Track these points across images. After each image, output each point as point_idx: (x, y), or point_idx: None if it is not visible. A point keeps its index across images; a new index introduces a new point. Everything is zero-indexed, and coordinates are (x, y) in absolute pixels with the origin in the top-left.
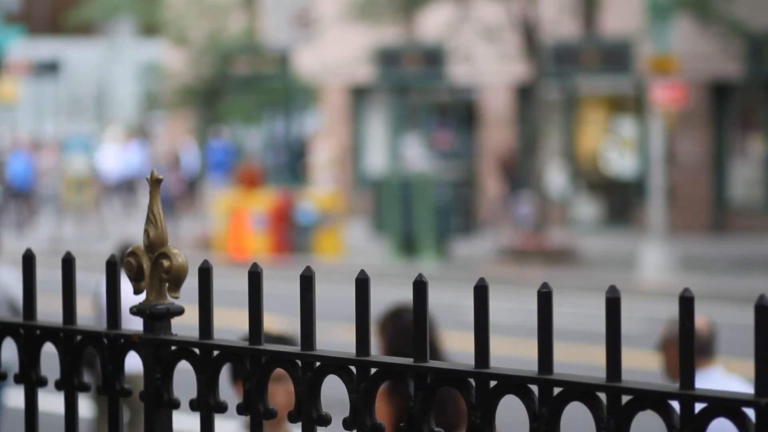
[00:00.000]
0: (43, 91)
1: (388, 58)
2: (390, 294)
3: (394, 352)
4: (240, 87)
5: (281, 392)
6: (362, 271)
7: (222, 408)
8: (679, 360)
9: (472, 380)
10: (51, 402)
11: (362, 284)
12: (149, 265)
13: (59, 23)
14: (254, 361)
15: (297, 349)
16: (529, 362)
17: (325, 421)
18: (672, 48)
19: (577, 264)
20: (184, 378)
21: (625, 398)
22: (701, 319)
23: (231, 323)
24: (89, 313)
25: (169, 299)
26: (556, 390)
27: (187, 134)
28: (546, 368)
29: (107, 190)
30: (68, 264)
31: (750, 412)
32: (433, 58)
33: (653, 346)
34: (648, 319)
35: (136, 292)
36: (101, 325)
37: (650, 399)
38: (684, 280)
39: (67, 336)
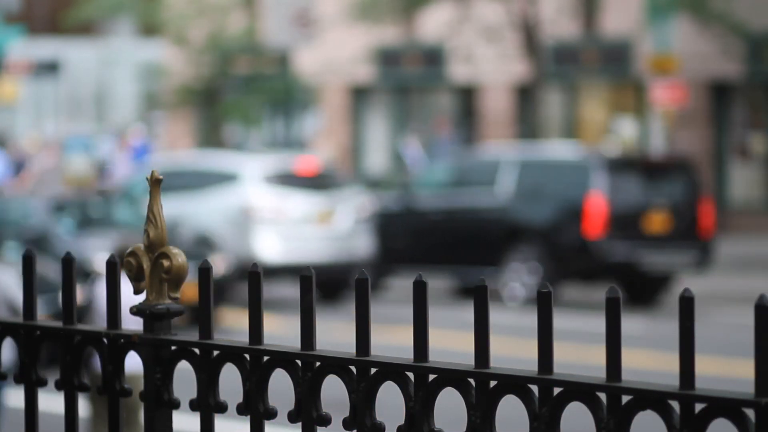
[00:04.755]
0: (43, 90)
1: (388, 58)
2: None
3: None
4: (240, 87)
5: None
6: (362, 271)
7: (222, 408)
8: (679, 360)
9: (472, 380)
10: (51, 402)
11: (362, 284)
12: (149, 265)
13: (59, 23)
14: (254, 361)
15: (297, 349)
16: (529, 362)
17: (325, 421)
18: (672, 48)
19: None
20: (185, 378)
21: (625, 398)
22: None
23: (232, 324)
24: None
25: (169, 299)
26: (556, 390)
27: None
28: (546, 368)
29: None
30: (68, 264)
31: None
32: (433, 58)
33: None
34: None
35: (136, 292)
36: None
37: (650, 399)
38: (684, 280)
39: (67, 336)
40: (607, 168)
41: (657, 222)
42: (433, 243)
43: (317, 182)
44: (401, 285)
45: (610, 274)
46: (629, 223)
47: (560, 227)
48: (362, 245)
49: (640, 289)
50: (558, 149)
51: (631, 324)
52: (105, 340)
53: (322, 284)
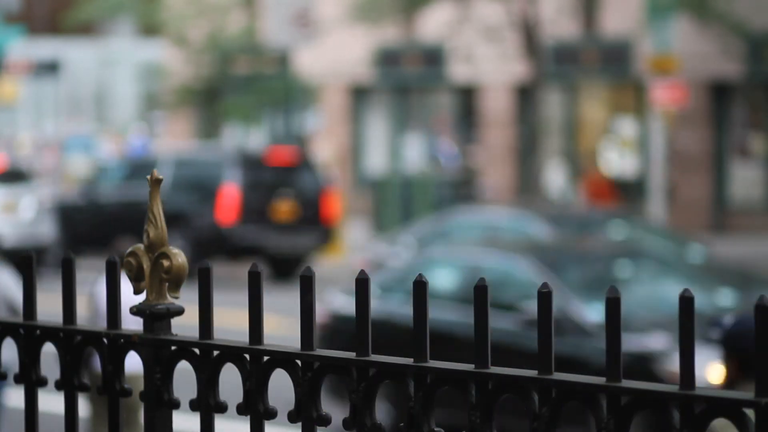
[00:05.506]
0: (42, 91)
1: (388, 58)
2: None
3: None
4: (240, 87)
5: None
6: (362, 272)
7: (222, 408)
8: (679, 360)
9: (471, 380)
10: (51, 402)
11: (362, 284)
12: (149, 265)
13: (59, 23)
14: (254, 361)
15: (297, 348)
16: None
17: (325, 421)
18: (672, 48)
19: None
20: (185, 377)
21: (624, 398)
22: None
23: (231, 323)
24: (84, 313)
25: (169, 299)
26: (556, 390)
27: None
28: (546, 368)
29: None
30: (68, 264)
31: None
32: (434, 58)
33: None
34: None
35: (136, 292)
36: (95, 325)
37: (650, 399)
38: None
39: (67, 336)
40: (240, 164)
41: (284, 211)
42: (109, 230)
43: (4, 177)
44: (86, 265)
45: (243, 255)
46: (259, 212)
47: (203, 215)
48: (45, 232)
49: (281, 267)
50: (204, 148)
51: (273, 297)
52: (105, 340)
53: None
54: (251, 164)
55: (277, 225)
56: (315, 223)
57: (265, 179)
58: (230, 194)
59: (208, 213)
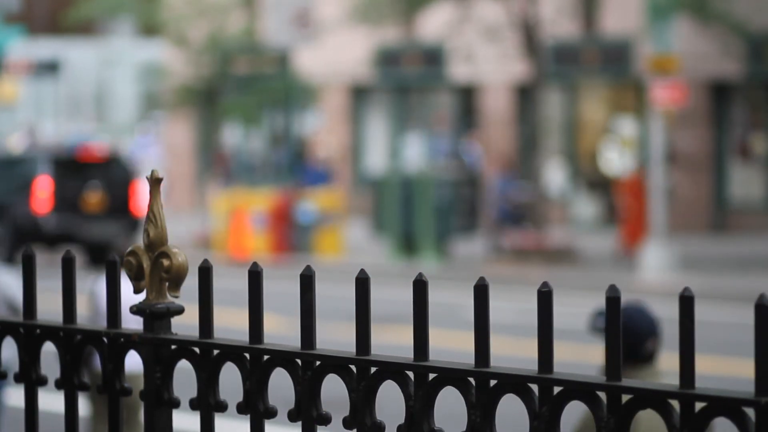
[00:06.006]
0: (42, 91)
1: (388, 58)
2: (390, 293)
3: None
4: (240, 87)
5: None
6: (362, 271)
7: (222, 407)
8: (679, 359)
9: (472, 379)
10: (51, 401)
11: (362, 284)
12: (149, 264)
13: (59, 23)
14: (254, 360)
15: (297, 348)
16: (529, 361)
17: (325, 420)
18: (672, 48)
19: (577, 263)
20: (185, 376)
21: (625, 397)
22: None
23: (231, 323)
24: (85, 312)
25: (169, 298)
26: (557, 389)
27: None
28: (546, 367)
29: None
30: (68, 263)
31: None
32: (434, 57)
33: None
34: None
35: (136, 291)
36: (96, 324)
37: (650, 398)
38: (684, 280)
39: (67, 335)
40: (53, 161)
41: (93, 202)
42: None
43: None
44: None
45: (57, 242)
46: (71, 203)
47: (21, 206)
48: None
49: (95, 254)
50: (16, 148)
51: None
52: (105, 339)
53: None
54: (64, 160)
55: (87, 215)
56: (123, 212)
57: (77, 173)
58: (44, 186)
59: (25, 204)
